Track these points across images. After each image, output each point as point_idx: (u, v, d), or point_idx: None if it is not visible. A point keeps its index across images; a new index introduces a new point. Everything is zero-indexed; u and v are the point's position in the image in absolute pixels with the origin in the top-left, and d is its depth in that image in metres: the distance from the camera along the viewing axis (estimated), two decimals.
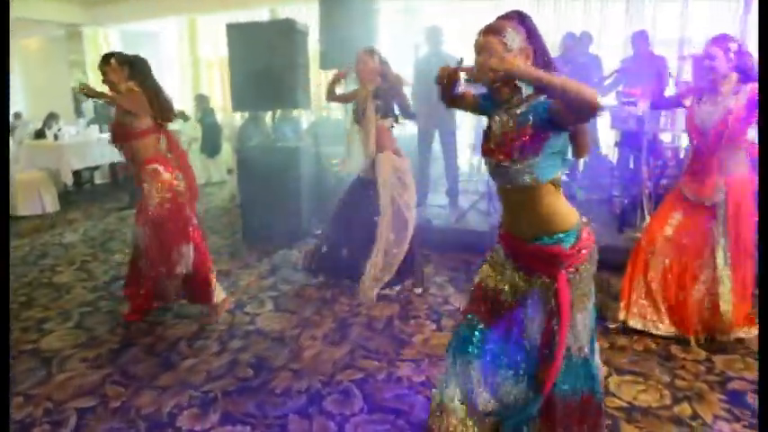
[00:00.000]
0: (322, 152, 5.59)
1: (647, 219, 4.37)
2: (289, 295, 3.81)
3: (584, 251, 1.75)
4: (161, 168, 3.20)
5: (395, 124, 3.73)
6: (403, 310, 3.54)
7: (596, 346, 1.90)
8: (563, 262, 1.73)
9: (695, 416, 2.43)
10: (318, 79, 7.03)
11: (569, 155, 1.76)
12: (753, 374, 2.76)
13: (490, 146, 1.79)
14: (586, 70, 5.80)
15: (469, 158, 7.18)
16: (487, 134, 1.82)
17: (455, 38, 7.43)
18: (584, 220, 1.81)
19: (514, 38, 1.68)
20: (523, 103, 1.72)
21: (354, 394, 2.59)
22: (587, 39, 6.23)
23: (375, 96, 3.58)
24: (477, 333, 1.89)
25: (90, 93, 3.08)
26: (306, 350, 3.02)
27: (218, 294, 3.42)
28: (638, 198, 4.53)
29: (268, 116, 5.80)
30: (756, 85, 2.66)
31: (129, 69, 3.14)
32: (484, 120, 5.51)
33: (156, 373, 2.79)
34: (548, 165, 1.70)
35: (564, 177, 1.83)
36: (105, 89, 3.15)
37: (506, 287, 1.87)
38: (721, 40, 2.76)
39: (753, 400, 2.54)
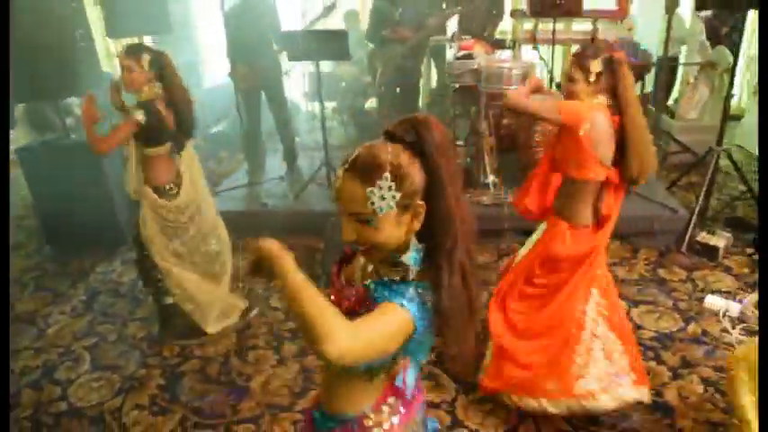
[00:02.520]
0: None
1: (490, 177, 4.30)
2: (109, 341, 3.29)
3: None
4: None
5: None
6: (240, 338, 3.21)
7: None
8: None
9: None
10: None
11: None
12: None
13: (340, 279, 1.30)
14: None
15: (307, 107, 6.64)
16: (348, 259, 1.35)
17: None
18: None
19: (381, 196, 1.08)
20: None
21: None
22: None
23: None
24: None
25: None
26: (129, 430, 2.62)
27: None
28: (480, 153, 4.40)
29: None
30: None
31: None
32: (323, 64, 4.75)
33: None
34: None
35: None
36: None
37: None
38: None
39: None
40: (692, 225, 3.82)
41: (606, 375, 2.26)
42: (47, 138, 4.38)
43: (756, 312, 3.07)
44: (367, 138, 1.17)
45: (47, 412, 2.76)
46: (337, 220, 3.52)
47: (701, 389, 2.64)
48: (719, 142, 3.96)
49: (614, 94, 2.13)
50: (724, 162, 4.32)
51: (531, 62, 4.47)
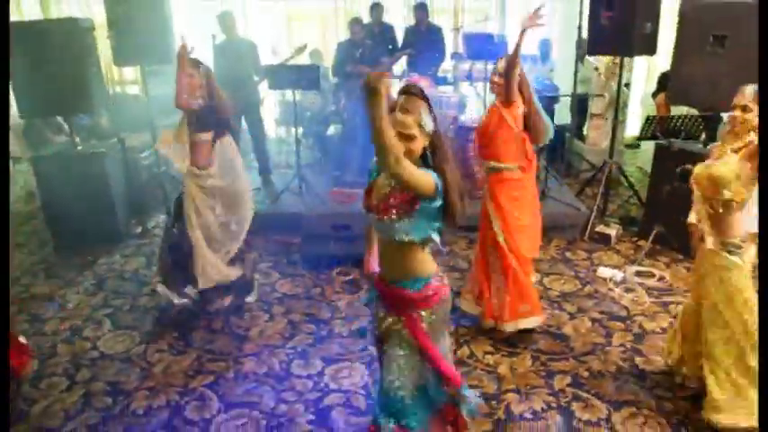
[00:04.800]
0: (128, 147, 5.52)
1: None
2: (124, 310, 3.97)
3: (434, 296, 2.01)
4: None
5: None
6: (236, 304, 3.96)
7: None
8: (414, 304, 2.00)
9: (472, 355, 3.31)
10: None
11: (440, 221, 1.95)
12: None
13: (372, 201, 1.97)
14: (381, 41, 6.41)
15: (276, 132, 7.51)
16: (371, 189, 2.01)
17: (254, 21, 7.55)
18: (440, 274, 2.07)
19: (427, 120, 1.85)
20: None
21: (209, 397, 3.02)
22: (380, 9, 6.77)
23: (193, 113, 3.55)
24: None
25: None
26: (155, 365, 3.32)
27: None
28: None
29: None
30: None
31: None
32: (288, 94, 5.77)
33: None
34: (419, 226, 1.91)
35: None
36: None
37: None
38: None
39: None
40: (591, 220, 4.87)
41: None
42: (57, 148, 5.04)
43: (634, 279, 4.11)
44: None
45: (83, 358, 3.42)
46: (310, 217, 4.49)
47: (589, 324, 3.60)
48: (611, 156, 5.09)
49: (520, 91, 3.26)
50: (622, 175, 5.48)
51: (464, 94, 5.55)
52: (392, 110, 1.82)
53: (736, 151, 2.53)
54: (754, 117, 2.49)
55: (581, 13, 5.42)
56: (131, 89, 7.94)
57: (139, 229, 5.27)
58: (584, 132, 7.31)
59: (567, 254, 4.66)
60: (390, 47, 6.60)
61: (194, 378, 3.19)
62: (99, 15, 5.25)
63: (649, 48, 4.59)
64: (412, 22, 6.96)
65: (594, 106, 6.82)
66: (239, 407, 2.94)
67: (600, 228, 4.85)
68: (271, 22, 8.01)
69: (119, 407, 2.98)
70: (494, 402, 2.92)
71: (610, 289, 4.03)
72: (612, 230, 4.77)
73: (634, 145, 7.37)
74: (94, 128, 6.18)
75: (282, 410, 2.90)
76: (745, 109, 2.53)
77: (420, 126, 1.84)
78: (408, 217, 1.88)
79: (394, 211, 1.89)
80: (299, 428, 2.77)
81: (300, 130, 6.94)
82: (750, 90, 2.52)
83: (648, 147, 7.15)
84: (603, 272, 4.23)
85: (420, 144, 1.87)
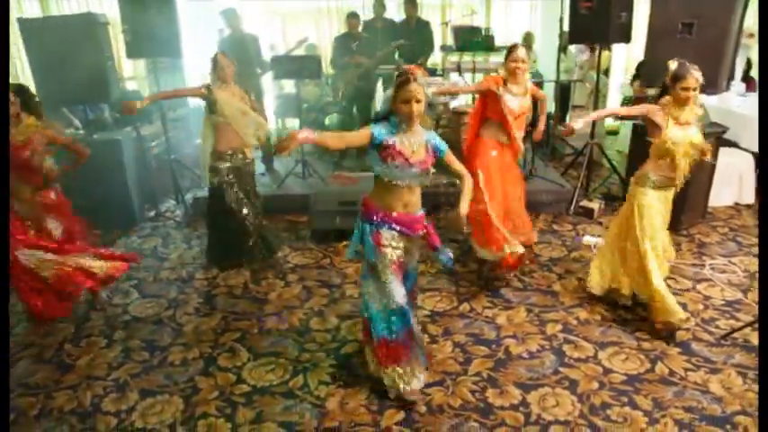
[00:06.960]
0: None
1: None
2: (148, 281, 4.27)
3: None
4: None
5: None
6: (254, 274, 4.29)
7: None
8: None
9: (472, 309, 3.69)
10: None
11: None
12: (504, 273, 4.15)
13: (407, 159, 2.60)
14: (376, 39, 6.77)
15: (275, 123, 7.84)
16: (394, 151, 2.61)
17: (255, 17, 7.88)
18: None
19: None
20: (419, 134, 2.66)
21: (239, 349, 3.35)
22: (382, 4, 7.11)
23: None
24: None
25: None
26: (185, 326, 3.64)
27: None
28: None
29: None
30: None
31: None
32: (288, 87, 6.21)
33: (57, 378, 3.16)
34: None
35: None
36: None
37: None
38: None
39: (504, 291, 3.90)
40: (576, 195, 5.27)
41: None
42: (76, 135, 5.31)
43: None
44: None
45: (117, 321, 3.73)
46: (317, 194, 4.92)
47: (576, 283, 4.00)
48: (592, 137, 5.51)
49: None
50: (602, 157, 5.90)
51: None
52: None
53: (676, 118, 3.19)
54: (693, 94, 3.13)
55: (562, 5, 5.82)
56: (130, 85, 8.19)
57: (153, 213, 5.56)
58: (568, 121, 7.74)
59: (555, 226, 5.06)
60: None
61: (223, 335, 3.52)
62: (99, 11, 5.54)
63: (624, 36, 5.01)
64: (403, 17, 7.33)
65: (577, 97, 7.25)
66: (267, 356, 3.28)
67: (584, 203, 5.25)
68: (267, 19, 8.33)
69: (157, 359, 3.29)
70: (494, 346, 3.30)
71: (594, 254, 4.42)
72: (595, 205, 5.18)
73: (613, 132, 7.82)
74: (97, 121, 6.44)
75: (306, 358, 3.25)
76: (696, 89, 3.11)
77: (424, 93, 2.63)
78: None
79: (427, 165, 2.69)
80: (324, 371, 3.12)
81: (296, 121, 7.30)
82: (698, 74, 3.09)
83: (626, 132, 7.61)
84: (587, 239, 4.64)
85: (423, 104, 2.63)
